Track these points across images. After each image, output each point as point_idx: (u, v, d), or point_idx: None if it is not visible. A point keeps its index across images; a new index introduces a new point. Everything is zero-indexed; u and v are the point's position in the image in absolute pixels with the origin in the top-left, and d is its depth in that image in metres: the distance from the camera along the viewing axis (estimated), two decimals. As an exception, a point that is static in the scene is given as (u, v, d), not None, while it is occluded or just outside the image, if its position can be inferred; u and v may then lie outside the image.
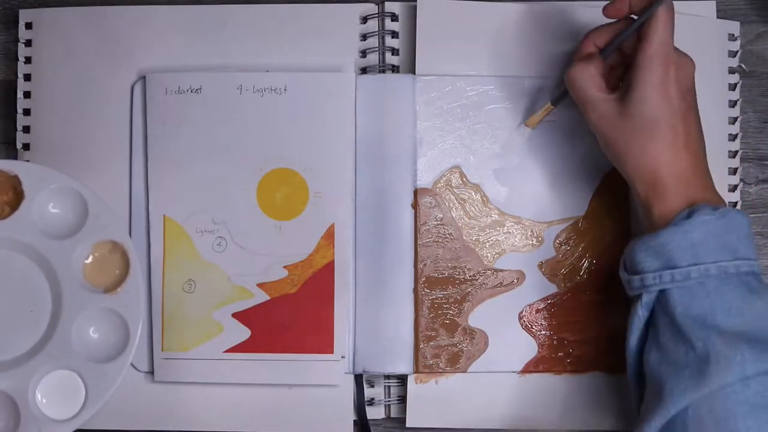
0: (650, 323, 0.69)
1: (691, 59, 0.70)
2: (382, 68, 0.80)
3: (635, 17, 0.71)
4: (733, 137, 0.80)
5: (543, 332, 0.78)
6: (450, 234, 0.79)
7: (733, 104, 0.80)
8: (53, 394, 0.73)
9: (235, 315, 0.78)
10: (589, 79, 0.70)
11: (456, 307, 0.78)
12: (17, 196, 0.73)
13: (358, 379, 0.78)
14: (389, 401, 0.79)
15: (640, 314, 0.69)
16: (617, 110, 0.69)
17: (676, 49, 0.69)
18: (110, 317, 0.73)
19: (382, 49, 0.80)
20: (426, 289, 0.78)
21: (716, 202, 0.69)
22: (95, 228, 0.73)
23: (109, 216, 0.74)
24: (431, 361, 0.78)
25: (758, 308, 0.66)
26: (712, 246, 0.66)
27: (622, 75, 0.73)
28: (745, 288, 0.66)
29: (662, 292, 0.67)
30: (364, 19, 0.80)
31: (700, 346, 0.65)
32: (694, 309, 0.66)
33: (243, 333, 0.78)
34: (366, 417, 0.78)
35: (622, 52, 0.73)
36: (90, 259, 0.74)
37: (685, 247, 0.66)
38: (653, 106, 0.68)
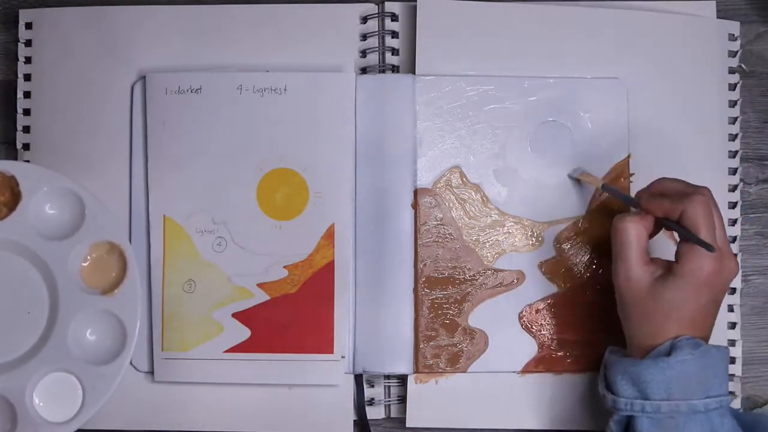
0: None
1: (736, 263, 0.70)
2: (382, 68, 0.80)
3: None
4: (733, 137, 0.80)
5: (543, 332, 0.78)
6: (450, 234, 0.79)
7: (733, 104, 0.80)
8: (50, 396, 0.72)
9: (235, 315, 0.78)
10: (637, 241, 0.70)
11: (456, 307, 0.78)
12: (14, 197, 0.73)
13: (358, 379, 0.78)
14: (389, 401, 0.79)
15: (613, 429, 0.71)
16: (648, 285, 0.69)
17: (725, 250, 0.69)
18: (107, 319, 0.73)
19: (382, 49, 0.80)
20: (426, 289, 0.78)
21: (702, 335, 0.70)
22: (92, 229, 0.73)
23: (107, 217, 0.73)
24: (431, 361, 0.78)
25: None
26: (688, 384, 0.68)
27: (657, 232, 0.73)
28: (708, 425, 0.68)
29: (631, 419, 0.69)
30: (364, 19, 0.80)
31: None
32: None
33: (243, 333, 0.78)
34: (366, 417, 0.78)
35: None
36: (87, 261, 0.74)
37: (661, 382, 0.68)
38: (682, 301, 0.68)
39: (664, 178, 0.72)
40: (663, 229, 0.72)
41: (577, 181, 0.78)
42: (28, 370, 0.72)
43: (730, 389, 0.78)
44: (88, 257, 0.74)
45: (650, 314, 0.69)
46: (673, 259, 0.70)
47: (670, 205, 0.69)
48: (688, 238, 0.68)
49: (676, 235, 0.72)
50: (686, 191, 0.70)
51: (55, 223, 0.74)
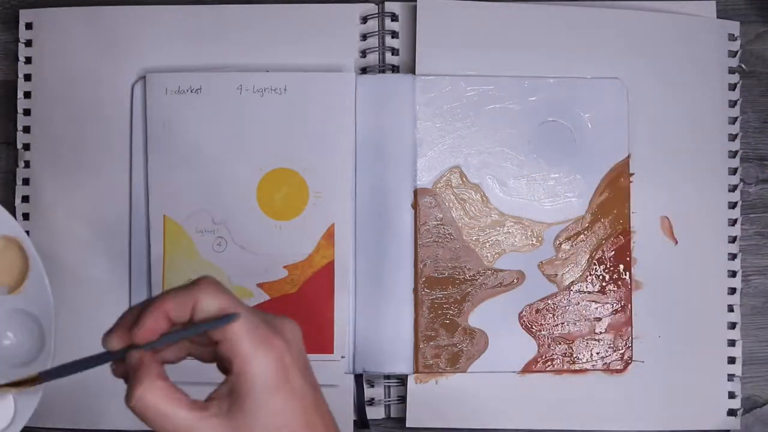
0: None
1: (290, 322, 0.55)
2: (382, 68, 0.80)
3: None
4: (733, 137, 0.80)
5: (543, 332, 0.78)
6: (450, 234, 0.79)
7: (733, 104, 0.80)
8: None
9: (235, 315, 0.78)
10: (169, 398, 0.52)
11: (456, 307, 0.78)
12: None
13: (358, 379, 0.78)
14: (389, 401, 0.79)
15: None
16: (226, 427, 0.52)
17: (266, 327, 0.53)
18: (21, 317, 0.70)
19: (382, 49, 0.81)
20: (426, 289, 0.78)
21: None
22: None
23: None
24: (431, 361, 0.78)
25: None
26: None
27: (185, 354, 0.57)
28: None
29: None
30: (364, 19, 0.80)
31: None
32: None
33: (243, 333, 0.77)
34: (366, 417, 0.78)
35: None
36: None
37: None
38: (277, 410, 0.52)
39: (126, 311, 0.56)
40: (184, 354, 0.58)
41: None
42: None
43: (730, 389, 0.78)
44: None
45: None
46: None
47: (176, 305, 0.53)
48: (207, 329, 0.53)
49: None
50: (183, 289, 0.53)
51: None
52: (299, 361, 0.53)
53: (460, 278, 0.78)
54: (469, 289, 0.78)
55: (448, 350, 0.78)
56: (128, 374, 0.54)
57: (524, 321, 0.78)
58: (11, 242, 0.71)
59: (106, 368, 0.78)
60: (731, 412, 0.79)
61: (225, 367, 0.54)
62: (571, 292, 0.79)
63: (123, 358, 0.54)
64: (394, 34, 0.81)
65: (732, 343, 0.79)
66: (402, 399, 0.79)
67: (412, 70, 0.79)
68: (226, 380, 0.52)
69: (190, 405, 0.52)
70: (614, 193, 0.79)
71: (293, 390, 0.52)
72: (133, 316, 0.54)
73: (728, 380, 0.79)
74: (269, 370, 0.51)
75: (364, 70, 0.80)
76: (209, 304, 0.52)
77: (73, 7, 0.81)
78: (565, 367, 0.78)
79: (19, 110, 0.80)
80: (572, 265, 0.79)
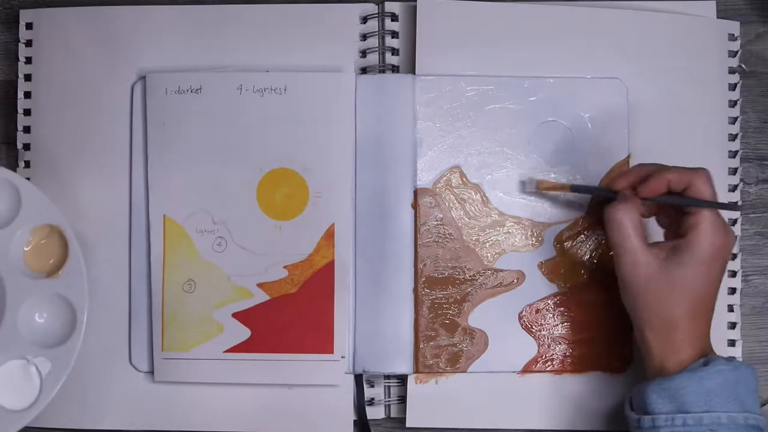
0: None
1: (733, 234, 0.70)
2: (382, 68, 0.80)
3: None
4: (733, 137, 0.80)
5: (543, 332, 0.78)
6: (450, 234, 0.79)
7: (733, 104, 0.80)
8: (7, 385, 0.73)
9: (235, 315, 0.78)
10: (633, 225, 0.70)
11: (456, 307, 0.78)
12: None
13: (358, 379, 0.78)
14: (389, 401, 0.79)
15: None
16: (657, 267, 0.69)
17: (723, 223, 0.70)
18: (56, 301, 0.74)
19: (382, 49, 0.81)
20: (426, 289, 0.78)
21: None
22: (31, 214, 0.74)
23: (43, 201, 0.74)
24: (431, 361, 0.78)
25: None
26: (725, 396, 0.67)
27: (653, 211, 0.73)
28: None
29: None
30: (364, 19, 0.80)
31: None
32: None
33: (243, 333, 0.78)
34: (366, 417, 0.78)
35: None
36: (29, 246, 0.75)
37: (700, 393, 0.67)
38: (693, 279, 0.68)
39: (640, 165, 0.73)
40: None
41: (538, 192, 0.78)
42: None
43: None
44: (30, 242, 0.75)
45: (663, 298, 0.69)
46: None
47: (677, 178, 0.69)
48: (702, 206, 0.68)
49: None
50: (685, 168, 0.70)
51: None
52: (725, 261, 0.70)
53: (460, 278, 0.78)
54: (469, 289, 0.78)
55: (448, 350, 0.78)
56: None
57: (524, 321, 0.78)
58: (54, 231, 0.75)
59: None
60: (731, 412, 0.79)
61: (674, 231, 0.71)
62: (571, 292, 0.79)
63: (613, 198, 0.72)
64: (394, 34, 0.81)
65: (732, 343, 0.79)
66: (402, 399, 0.79)
67: (412, 70, 0.79)
68: (675, 242, 0.69)
69: (643, 236, 0.70)
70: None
71: (711, 274, 0.69)
72: (641, 174, 0.72)
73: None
74: (711, 252, 0.68)
75: (364, 70, 0.80)
76: (701, 187, 0.69)
77: (73, 7, 0.81)
78: (565, 367, 0.78)
79: (19, 110, 0.81)
80: (572, 265, 0.79)
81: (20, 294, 0.73)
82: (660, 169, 0.71)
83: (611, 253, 0.72)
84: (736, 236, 0.71)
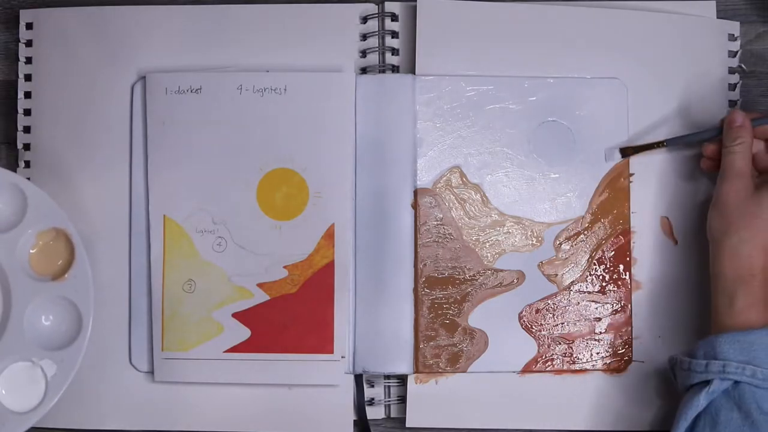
0: (704, 413, 0.69)
1: None
2: (382, 68, 0.80)
3: None
4: (733, 137, 0.80)
5: (543, 332, 0.78)
6: (450, 234, 0.79)
7: (733, 104, 0.80)
8: (13, 387, 0.73)
9: (235, 315, 0.78)
10: (748, 153, 0.73)
11: (456, 307, 0.78)
12: None
13: (358, 379, 0.78)
14: (389, 401, 0.79)
15: (700, 403, 0.69)
16: (751, 191, 0.72)
17: None
18: (61, 304, 0.74)
19: (382, 49, 0.81)
20: (426, 289, 0.78)
21: None
22: (36, 217, 0.74)
23: (49, 205, 0.74)
24: (431, 361, 0.78)
25: None
26: None
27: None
28: None
29: (737, 387, 0.68)
30: (364, 19, 0.80)
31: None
32: None
33: (243, 333, 0.78)
34: (366, 417, 0.78)
35: None
36: (35, 249, 0.75)
37: None
38: None
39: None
40: None
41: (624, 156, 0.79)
42: None
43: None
44: (36, 246, 0.75)
45: (749, 217, 0.71)
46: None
47: None
48: None
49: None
50: None
51: (1, 216, 0.75)
52: None
53: (460, 278, 0.78)
54: (469, 289, 0.78)
55: (448, 350, 0.78)
56: (713, 156, 0.76)
57: (524, 321, 0.78)
58: (60, 234, 0.75)
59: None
60: (731, 412, 0.79)
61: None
62: (571, 292, 0.79)
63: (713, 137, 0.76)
64: (394, 34, 0.81)
65: (732, 343, 0.79)
66: (402, 399, 0.79)
67: (412, 70, 0.79)
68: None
69: (750, 164, 0.74)
70: (614, 193, 0.79)
71: None
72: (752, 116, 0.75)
73: None
74: None
75: (364, 70, 0.80)
76: None
77: (73, 7, 0.81)
78: (565, 367, 0.78)
79: (19, 110, 0.81)
80: (572, 265, 0.79)
81: (26, 296, 0.74)
82: None
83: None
84: None
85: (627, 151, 0.78)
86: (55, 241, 0.75)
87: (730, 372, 0.68)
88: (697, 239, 0.79)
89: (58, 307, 0.74)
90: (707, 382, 0.69)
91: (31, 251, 0.75)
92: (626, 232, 0.79)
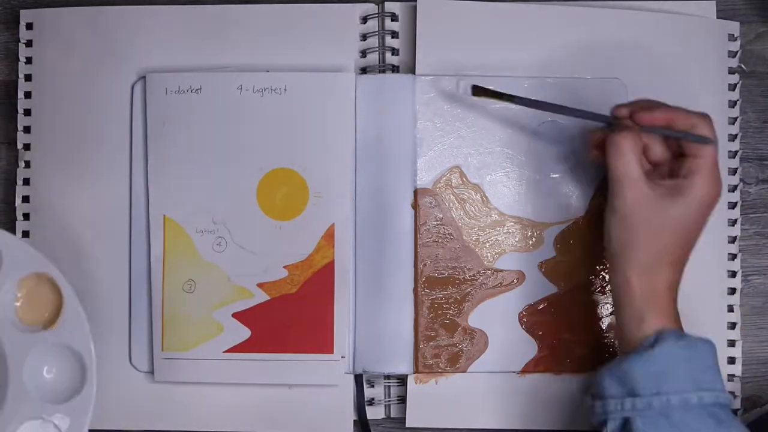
0: None
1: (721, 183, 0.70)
2: (382, 68, 0.80)
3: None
4: (733, 137, 0.80)
5: (543, 332, 0.78)
6: (450, 234, 0.79)
7: (733, 104, 0.80)
8: None
9: (235, 315, 0.78)
10: (637, 154, 0.69)
11: (456, 307, 0.78)
12: None
13: (358, 379, 0.78)
14: (389, 401, 0.79)
15: None
16: (657, 202, 0.68)
17: (719, 173, 0.70)
18: (60, 352, 0.71)
19: (382, 49, 0.81)
20: (426, 289, 0.78)
21: (679, 322, 0.69)
22: (14, 265, 0.70)
23: (24, 249, 0.70)
24: (431, 361, 0.78)
25: None
26: (676, 377, 0.66)
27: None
28: (712, 419, 0.65)
29: (627, 421, 0.66)
30: (364, 19, 0.80)
31: None
32: None
33: (243, 333, 0.78)
34: (366, 417, 0.78)
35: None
36: (19, 300, 0.71)
37: (648, 376, 0.66)
38: (688, 222, 0.68)
39: (640, 99, 0.72)
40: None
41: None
42: None
43: (730, 390, 0.78)
44: (19, 295, 0.71)
45: (658, 232, 0.68)
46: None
47: (682, 118, 0.69)
48: (693, 140, 0.68)
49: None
50: (689, 110, 0.70)
51: None
52: (710, 212, 0.70)
53: (460, 278, 0.78)
54: (469, 289, 0.78)
55: (448, 350, 0.78)
56: (600, 145, 0.71)
57: (524, 321, 0.78)
58: (42, 278, 0.71)
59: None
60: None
61: (671, 170, 0.70)
62: (571, 292, 0.79)
63: (608, 128, 0.71)
64: (394, 34, 0.81)
65: (732, 343, 0.79)
66: (402, 399, 0.79)
67: (412, 70, 0.79)
68: (676, 181, 0.68)
69: (644, 168, 0.69)
70: (614, 193, 0.79)
71: (701, 221, 0.69)
72: (645, 105, 0.71)
73: (728, 380, 0.79)
74: (704, 198, 0.68)
75: (364, 70, 0.80)
76: (704, 131, 0.69)
77: (73, 7, 0.81)
78: (565, 367, 0.78)
79: (20, 110, 0.81)
80: (572, 265, 0.79)
81: (21, 352, 0.70)
82: (665, 107, 0.71)
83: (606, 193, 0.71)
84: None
85: (478, 91, 0.76)
86: (38, 286, 0.71)
87: (610, 411, 0.67)
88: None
89: (56, 356, 0.70)
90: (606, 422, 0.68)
91: (16, 303, 0.71)
92: (626, 232, 0.79)
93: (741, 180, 0.80)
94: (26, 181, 0.80)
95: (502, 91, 0.75)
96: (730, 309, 0.79)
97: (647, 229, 0.68)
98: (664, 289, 0.68)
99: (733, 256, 0.80)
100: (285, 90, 0.79)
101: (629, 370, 0.66)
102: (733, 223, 0.80)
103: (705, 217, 0.69)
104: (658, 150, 0.71)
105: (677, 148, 0.70)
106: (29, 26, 0.81)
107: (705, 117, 0.70)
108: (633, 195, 0.68)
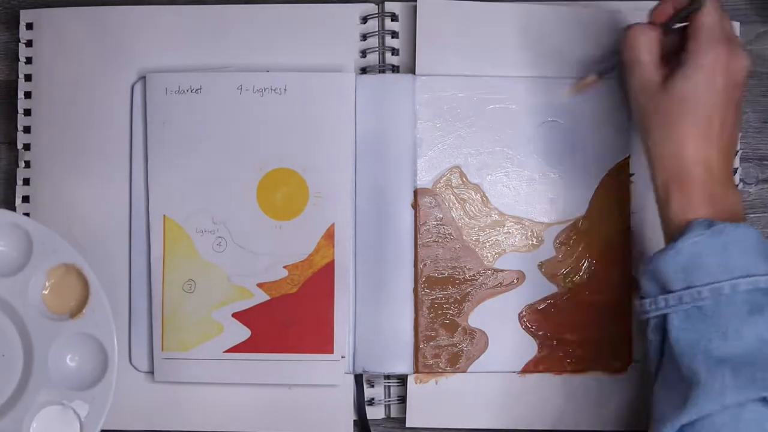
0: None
1: (746, 54, 0.69)
2: (382, 68, 0.80)
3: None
4: (733, 137, 0.80)
5: (543, 332, 0.78)
6: (450, 234, 0.79)
7: (733, 104, 0.80)
8: (48, 431, 0.72)
9: (235, 315, 0.78)
10: (648, 42, 0.69)
11: (456, 307, 0.78)
12: None
13: (358, 379, 0.78)
14: (389, 401, 0.79)
15: (652, 339, 0.67)
16: (661, 82, 0.68)
17: (732, 41, 0.68)
18: (83, 341, 0.72)
19: (382, 49, 0.81)
20: (426, 289, 0.78)
21: (729, 213, 0.66)
22: (44, 255, 0.72)
23: (55, 240, 0.72)
24: (431, 361, 0.78)
25: (760, 329, 0.62)
26: (707, 267, 0.64)
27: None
28: (745, 308, 0.63)
29: (664, 317, 0.65)
30: (364, 19, 0.80)
31: (686, 371, 0.63)
32: (689, 333, 0.64)
33: (243, 333, 0.78)
34: (366, 417, 0.78)
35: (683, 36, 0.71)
36: (47, 288, 0.73)
37: (676, 271, 0.64)
38: (695, 89, 0.67)
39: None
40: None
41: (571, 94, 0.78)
42: (19, 412, 0.72)
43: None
44: (47, 284, 0.73)
45: (667, 113, 0.67)
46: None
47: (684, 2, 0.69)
48: (688, 12, 0.68)
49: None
50: None
51: (5, 258, 0.73)
52: (731, 77, 0.67)
53: (460, 278, 0.78)
54: (469, 289, 0.78)
55: (448, 350, 0.78)
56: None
57: (524, 321, 0.78)
58: (71, 269, 0.73)
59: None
60: (731, 412, 0.79)
61: (678, 54, 0.69)
62: (571, 292, 0.79)
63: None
64: (394, 34, 0.81)
65: (732, 343, 0.79)
66: (402, 399, 0.79)
67: (412, 70, 0.79)
68: (681, 55, 0.68)
69: (656, 56, 0.69)
70: (614, 193, 0.79)
71: (715, 86, 0.67)
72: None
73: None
74: (706, 65, 0.67)
75: (364, 70, 0.80)
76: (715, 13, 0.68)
77: (73, 7, 0.81)
78: (565, 367, 0.78)
79: (20, 110, 0.81)
80: (572, 265, 0.79)
81: (46, 339, 0.72)
82: None
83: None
84: (749, 59, 0.69)
85: (574, 89, 0.78)
86: (66, 276, 0.73)
87: (648, 311, 0.66)
88: (697, 239, 0.79)
89: (80, 345, 0.72)
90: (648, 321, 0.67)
91: (44, 292, 0.73)
92: (626, 232, 0.79)
93: (741, 180, 0.80)
94: (26, 181, 0.80)
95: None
96: (730, 309, 0.79)
97: (656, 112, 0.68)
98: (691, 165, 0.66)
99: (733, 256, 0.79)
100: (285, 90, 0.79)
101: (659, 266, 0.65)
102: (733, 222, 0.80)
103: (720, 83, 0.67)
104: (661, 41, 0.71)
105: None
106: (29, 26, 0.81)
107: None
108: (639, 81, 0.69)
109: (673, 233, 0.66)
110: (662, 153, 0.68)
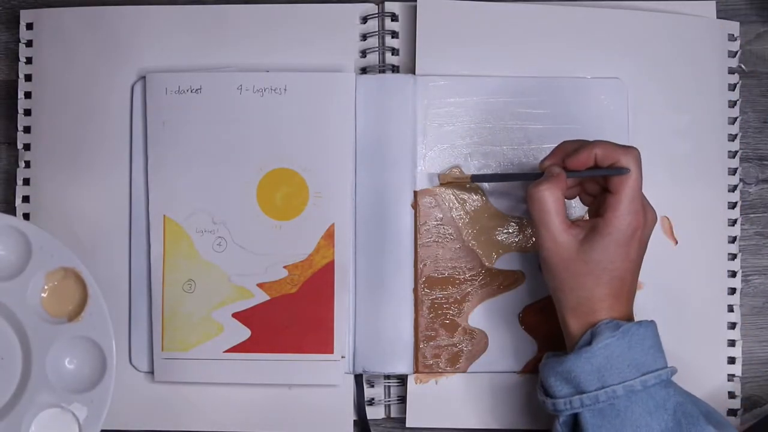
0: None
1: (655, 213, 0.70)
2: (382, 68, 0.80)
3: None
4: (733, 137, 0.80)
5: (543, 332, 0.78)
6: (450, 234, 0.79)
7: (733, 104, 0.80)
8: None
9: (235, 315, 0.78)
10: (556, 205, 0.68)
11: (456, 307, 0.78)
12: None
13: (358, 379, 0.78)
14: (389, 401, 0.79)
15: None
16: (575, 248, 0.68)
17: (644, 199, 0.69)
18: (81, 344, 0.73)
19: (382, 49, 0.81)
20: (426, 289, 0.78)
21: (627, 311, 0.70)
22: (42, 259, 0.72)
23: (53, 243, 0.73)
24: (431, 361, 0.78)
25: (666, 420, 0.66)
26: (618, 367, 0.67)
27: (576, 194, 0.73)
28: (652, 402, 0.67)
29: (576, 415, 0.68)
30: (364, 19, 0.80)
31: None
32: (605, 430, 0.67)
33: (243, 333, 0.78)
34: (366, 417, 0.79)
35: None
36: (45, 292, 0.73)
37: (590, 372, 0.67)
38: (611, 260, 0.68)
39: (565, 141, 0.71)
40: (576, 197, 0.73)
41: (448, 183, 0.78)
42: (18, 415, 0.72)
43: (730, 389, 0.78)
44: (46, 288, 0.73)
45: (580, 278, 0.68)
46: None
47: (604, 153, 0.68)
48: (611, 174, 0.68)
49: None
50: (614, 144, 0.69)
51: (4, 262, 0.73)
52: (643, 241, 0.69)
53: (460, 278, 0.78)
54: (469, 289, 0.78)
55: (448, 350, 0.78)
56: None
57: (524, 321, 0.78)
58: (69, 272, 0.73)
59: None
60: (731, 412, 0.79)
61: (595, 211, 0.71)
62: (571, 292, 0.79)
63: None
64: (394, 34, 0.81)
65: (732, 343, 0.79)
66: (402, 399, 0.79)
67: (412, 70, 0.79)
68: (594, 221, 0.69)
69: (564, 217, 0.69)
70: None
71: (629, 255, 0.68)
72: (569, 149, 0.70)
73: (728, 380, 0.79)
74: (628, 233, 0.68)
75: (364, 70, 0.80)
76: (626, 162, 0.68)
77: (73, 7, 0.81)
78: (565, 367, 0.78)
79: (20, 110, 0.81)
80: (572, 265, 0.79)
81: (45, 341, 0.72)
82: (588, 143, 0.70)
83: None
84: (656, 216, 0.70)
85: (442, 179, 0.78)
86: (65, 279, 0.73)
87: (561, 410, 0.68)
88: (697, 239, 0.79)
89: (79, 348, 0.73)
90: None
91: (42, 295, 0.73)
92: (626, 232, 0.79)
93: (741, 180, 0.80)
94: (26, 181, 0.80)
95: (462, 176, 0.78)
96: (730, 309, 0.79)
97: (570, 276, 0.69)
98: (600, 312, 0.69)
99: (733, 256, 0.80)
100: (285, 90, 0.79)
101: (572, 369, 0.67)
102: (733, 223, 0.80)
103: (634, 250, 0.68)
104: (591, 186, 0.72)
105: (605, 183, 0.70)
106: (29, 26, 0.81)
107: (630, 150, 0.68)
108: (552, 245, 0.69)
109: (577, 336, 0.69)
110: (573, 307, 0.69)
